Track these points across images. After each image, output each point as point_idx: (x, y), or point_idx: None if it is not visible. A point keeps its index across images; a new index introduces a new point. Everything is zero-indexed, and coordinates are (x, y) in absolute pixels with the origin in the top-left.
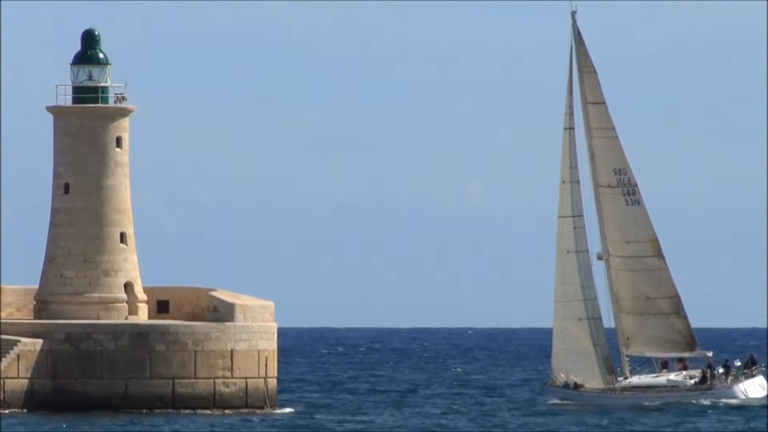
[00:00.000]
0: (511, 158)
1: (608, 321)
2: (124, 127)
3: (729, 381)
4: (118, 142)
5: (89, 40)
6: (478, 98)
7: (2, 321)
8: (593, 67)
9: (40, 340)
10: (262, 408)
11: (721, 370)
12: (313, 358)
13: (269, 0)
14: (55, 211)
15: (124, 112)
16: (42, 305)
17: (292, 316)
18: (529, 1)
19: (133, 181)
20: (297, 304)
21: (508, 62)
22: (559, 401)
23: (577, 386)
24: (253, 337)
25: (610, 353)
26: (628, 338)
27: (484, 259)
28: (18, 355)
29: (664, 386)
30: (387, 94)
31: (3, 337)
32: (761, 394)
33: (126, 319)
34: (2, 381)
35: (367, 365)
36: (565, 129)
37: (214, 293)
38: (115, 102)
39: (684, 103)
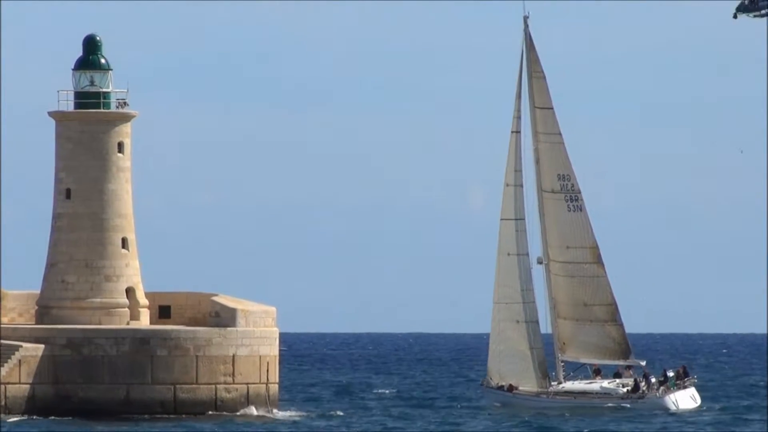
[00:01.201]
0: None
1: (546, 325)
2: (125, 133)
3: (661, 391)
4: (120, 147)
5: (91, 45)
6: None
7: (4, 326)
8: (543, 72)
9: (42, 346)
10: (264, 413)
11: (653, 380)
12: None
13: (272, 2)
14: (56, 217)
15: (125, 118)
16: (44, 310)
17: (294, 321)
18: (483, 1)
19: (135, 186)
20: (299, 309)
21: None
22: (493, 402)
23: (511, 388)
24: (254, 343)
25: (546, 357)
26: (563, 343)
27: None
28: (20, 361)
29: (597, 393)
30: (388, 97)
31: (5, 342)
32: (692, 405)
33: (128, 324)
34: (4, 386)
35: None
36: (512, 132)
37: (215, 298)
38: (117, 107)
39: (632, 109)
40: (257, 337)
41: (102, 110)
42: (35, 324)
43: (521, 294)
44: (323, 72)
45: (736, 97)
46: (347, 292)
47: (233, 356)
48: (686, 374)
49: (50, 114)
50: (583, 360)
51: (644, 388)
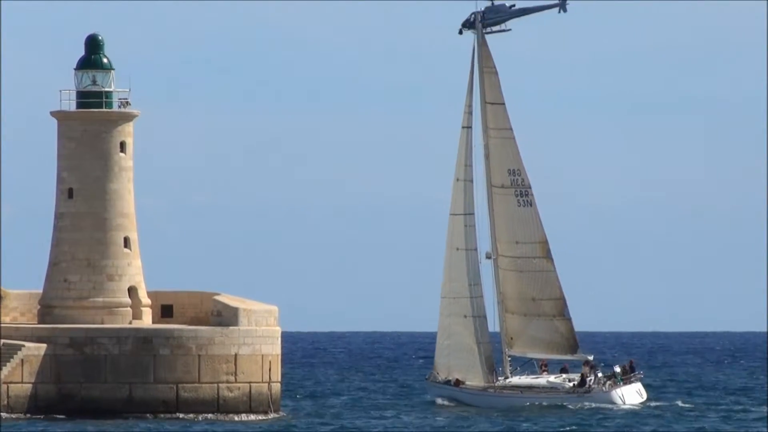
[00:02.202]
0: None
1: (493, 320)
2: (128, 132)
3: (607, 386)
4: (122, 146)
5: (93, 45)
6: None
7: (6, 326)
8: (494, 68)
9: (44, 345)
10: (266, 413)
11: (600, 374)
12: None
13: (274, 1)
14: (59, 216)
15: (128, 117)
16: (46, 310)
17: (296, 320)
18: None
19: (137, 185)
20: (301, 308)
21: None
22: (437, 397)
23: (458, 383)
24: (257, 342)
25: (493, 352)
26: (511, 338)
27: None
28: (22, 360)
29: (543, 387)
30: (388, 96)
31: (7, 341)
32: (638, 400)
33: (130, 323)
34: (6, 386)
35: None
36: (463, 128)
37: (217, 297)
38: (119, 107)
39: (585, 104)
40: (259, 336)
41: (104, 110)
42: (38, 323)
43: (469, 289)
44: (325, 73)
45: (691, 91)
46: (350, 291)
47: (235, 355)
48: (632, 369)
49: (52, 113)
50: (531, 355)
51: (590, 383)
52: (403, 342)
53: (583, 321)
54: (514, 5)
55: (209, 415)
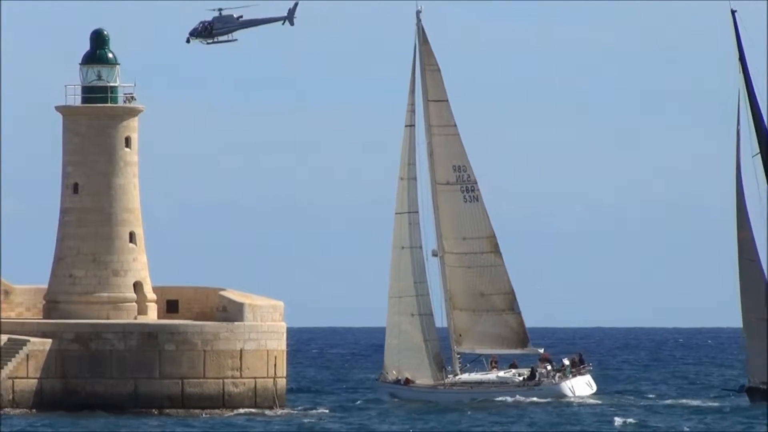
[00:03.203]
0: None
1: (441, 318)
2: (133, 127)
3: (557, 378)
4: (127, 141)
5: (98, 40)
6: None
7: (12, 321)
8: (437, 65)
9: (50, 340)
10: (271, 408)
11: (549, 367)
12: None
13: (276, 0)
14: (64, 211)
15: (133, 112)
16: (51, 305)
17: (301, 315)
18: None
19: (142, 180)
20: (306, 303)
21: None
22: (390, 397)
23: (407, 382)
24: (262, 337)
25: (442, 350)
26: (459, 335)
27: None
28: (27, 355)
29: (493, 382)
30: (390, 94)
31: (12, 337)
32: (588, 392)
33: (135, 318)
34: (12, 381)
35: None
36: (406, 126)
37: (223, 293)
38: (124, 102)
39: (528, 100)
40: (265, 331)
41: (109, 105)
42: (43, 318)
43: (415, 287)
44: (328, 70)
45: (637, 87)
46: (354, 287)
47: (241, 351)
48: (582, 362)
49: (57, 108)
50: (480, 351)
51: (540, 376)
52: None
53: (533, 316)
54: (241, 16)
55: (216, 411)
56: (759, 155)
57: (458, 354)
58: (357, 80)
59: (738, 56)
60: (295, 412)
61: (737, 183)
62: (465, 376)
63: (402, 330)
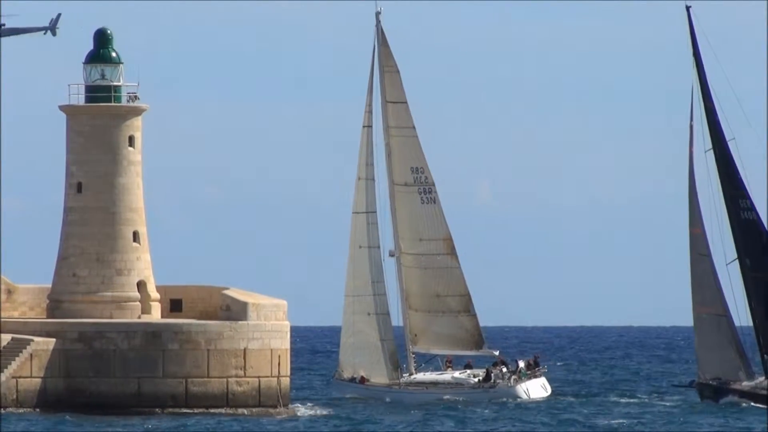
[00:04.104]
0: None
1: (398, 317)
2: (136, 126)
3: (512, 380)
4: (131, 141)
5: (102, 39)
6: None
7: (15, 320)
8: (396, 67)
9: (53, 340)
10: (275, 407)
11: (504, 369)
12: None
13: (282, 0)
14: (67, 210)
15: (136, 111)
16: (55, 304)
17: (304, 314)
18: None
19: (146, 180)
20: (310, 302)
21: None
22: (346, 394)
23: (363, 380)
24: (265, 336)
25: (398, 349)
26: (415, 335)
27: (492, 258)
28: (31, 355)
29: (448, 383)
30: (428, 92)
31: (16, 336)
32: (543, 394)
33: (139, 318)
34: (15, 380)
35: None
36: (364, 127)
37: (226, 292)
38: (128, 101)
39: (487, 103)
40: (268, 330)
41: (113, 104)
42: (46, 318)
43: (372, 286)
44: (332, 68)
45: (598, 85)
46: None
47: (244, 350)
48: (537, 364)
49: (61, 108)
50: (435, 351)
51: (495, 378)
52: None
53: (489, 316)
54: (4, 24)
55: (222, 410)
56: (712, 150)
57: (413, 354)
58: (318, 81)
59: (692, 52)
60: (301, 411)
61: (690, 179)
62: (420, 376)
63: (358, 329)
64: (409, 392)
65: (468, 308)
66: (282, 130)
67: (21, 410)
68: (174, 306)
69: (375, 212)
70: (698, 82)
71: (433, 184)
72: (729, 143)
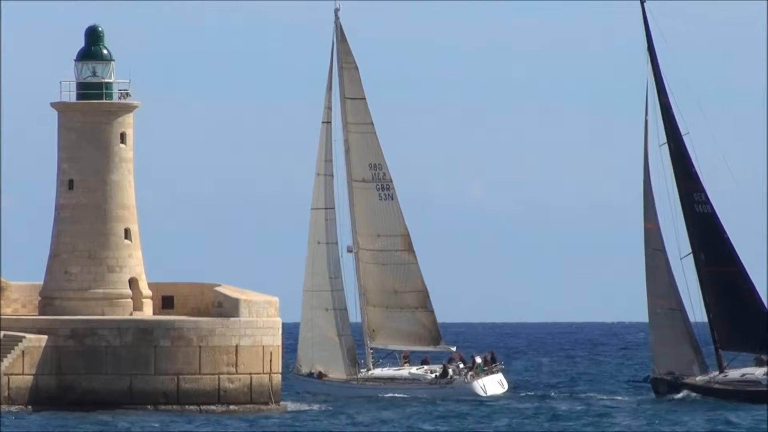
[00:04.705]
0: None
1: (356, 313)
2: (128, 123)
3: (469, 377)
4: (123, 138)
5: (93, 36)
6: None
7: (7, 317)
8: (355, 63)
9: (45, 336)
10: (266, 404)
11: (461, 365)
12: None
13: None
14: (59, 207)
15: (128, 108)
16: (47, 301)
17: (296, 312)
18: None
19: (138, 177)
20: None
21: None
22: (305, 390)
23: (321, 375)
24: (257, 333)
25: (356, 345)
26: (373, 330)
27: (488, 256)
28: (23, 352)
29: (405, 379)
30: (387, 89)
31: (8, 333)
32: (500, 390)
33: (131, 314)
34: (7, 378)
35: None
36: (323, 123)
37: (218, 289)
38: (119, 98)
39: (445, 100)
40: (260, 327)
41: (104, 101)
42: (38, 315)
43: (330, 282)
44: (325, 67)
45: (549, 82)
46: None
47: (236, 346)
48: (494, 360)
49: (52, 105)
50: (392, 347)
51: (452, 374)
52: None
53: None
54: None
55: (213, 407)
56: (666, 145)
57: (371, 349)
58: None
59: (647, 47)
60: (292, 407)
61: (645, 173)
62: (378, 371)
63: (316, 324)
64: (366, 387)
65: (425, 304)
66: (275, 127)
67: (13, 407)
68: (166, 303)
69: (333, 208)
70: (653, 76)
71: (391, 181)
72: (684, 138)
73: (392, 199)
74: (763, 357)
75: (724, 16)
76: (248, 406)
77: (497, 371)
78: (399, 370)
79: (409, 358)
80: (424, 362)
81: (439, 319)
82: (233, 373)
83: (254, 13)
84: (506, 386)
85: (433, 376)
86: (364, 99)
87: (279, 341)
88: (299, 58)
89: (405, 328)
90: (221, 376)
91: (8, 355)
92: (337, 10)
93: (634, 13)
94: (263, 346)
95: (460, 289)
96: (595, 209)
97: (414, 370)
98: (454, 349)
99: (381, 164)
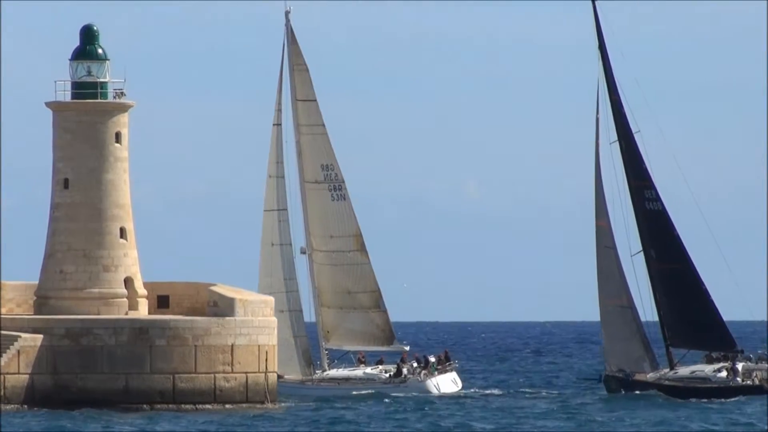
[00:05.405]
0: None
1: (310, 314)
2: (123, 123)
3: (422, 375)
4: (118, 137)
5: (88, 35)
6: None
7: (3, 317)
8: (305, 65)
9: (41, 336)
10: (262, 403)
11: (415, 364)
12: None
13: (192, 1)
14: (54, 207)
15: (123, 108)
16: (42, 301)
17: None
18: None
19: (133, 176)
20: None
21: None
22: None
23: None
24: (253, 332)
25: (311, 346)
26: (327, 332)
27: (482, 257)
28: (18, 351)
29: (360, 378)
30: (386, 88)
31: (3, 332)
32: (453, 389)
33: (126, 314)
34: (3, 377)
35: None
36: (274, 125)
37: (214, 288)
38: (114, 97)
39: (397, 100)
40: (256, 326)
41: (99, 100)
42: (34, 314)
43: (284, 283)
44: (321, 66)
45: (502, 78)
46: None
47: (232, 346)
48: (448, 359)
49: (47, 104)
50: (347, 347)
51: (406, 373)
52: None
53: (399, 312)
54: None
55: (209, 406)
56: (617, 142)
57: (326, 350)
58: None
59: (598, 45)
60: (288, 406)
61: (596, 171)
62: (333, 372)
63: None
64: (322, 388)
65: (378, 304)
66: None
67: (8, 407)
68: (161, 302)
69: (286, 210)
70: (604, 74)
71: (343, 181)
72: (635, 135)
73: (344, 199)
74: (713, 354)
75: (676, 16)
76: (244, 405)
77: (451, 370)
78: (354, 370)
79: (365, 359)
80: (379, 362)
81: (436, 319)
82: (229, 372)
83: (204, 12)
84: (460, 384)
85: (387, 375)
86: (315, 100)
87: (275, 340)
88: (250, 60)
89: (359, 328)
90: (217, 375)
91: (3, 354)
92: (287, 13)
93: (585, 13)
94: (259, 346)
95: (449, 287)
96: (546, 212)
97: (369, 370)
98: (407, 348)
99: (333, 165)
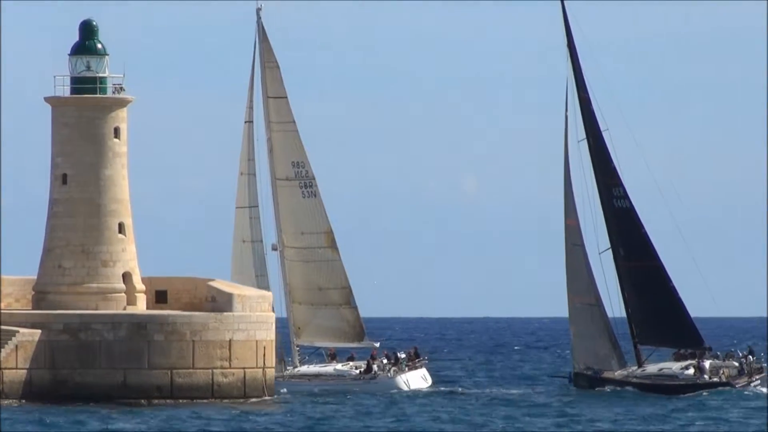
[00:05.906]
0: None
1: (282, 310)
2: (122, 118)
3: (392, 372)
4: (116, 132)
5: (87, 30)
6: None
7: (1, 311)
8: (276, 62)
9: (39, 331)
10: (260, 398)
11: (385, 360)
12: None
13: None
14: (53, 202)
15: (122, 103)
16: (40, 296)
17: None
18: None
19: (132, 171)
20: None
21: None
22: None
23: None
24: (251, 327)
25: (283, 342)
26: (299, 328)
27: (480, 253)
28: (16, 346)
29: (331, 375)
30: (385, 87)
31: (2, 327)
32: (423, 385)
33: (124, 309)
34: (1, 372)
35: None
36: (245, 122)
37: (212, 283)
38: (114, 92)
39: (367, 97)
40: (254, 321)
41: (98, 95)
42: (32, 309)
43: (256, 280)
44: (321, 64)
45: (474, 75)
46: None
47: (230, 341)
48: (417, 355)
49: (46, 99)
50: (318, 344)
51: (376, 369)
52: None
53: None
54: None
55: (207, 401)
56: (585, 140)
57: (297, 346)
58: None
59: (566, 43)
60: (286, 401)
61: (565, 169)
62: (304, 369)
63: None
64: (293, 384)
65: (348, 301)
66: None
67: (6, 401)
68: (159, 297)
69: (257, 207)
70: (572, 72)
71: (314, 178)
72: (603, 133)
73: (315, 196)
74: (682, 351)
75: (644, 15)
76: (241, 400)
77: (420, 366)
78: (324, 366)
79: (336, 356)
80: (350, 358)
81: (438, 315)
82: (227, 368)
83: (181, 12)
84: (429, 381)
85: (357, 372)
86: (286, 98)
87: (273, 336)
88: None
89: (329, 324)
90: (215, 370)
91: (2, 349)
92: (258, 10)
93: (554, 11)
94: (257, 341)
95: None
96: (517, 206)
97: (339, 366)
98: (377, 344)
99: (304, 162)
